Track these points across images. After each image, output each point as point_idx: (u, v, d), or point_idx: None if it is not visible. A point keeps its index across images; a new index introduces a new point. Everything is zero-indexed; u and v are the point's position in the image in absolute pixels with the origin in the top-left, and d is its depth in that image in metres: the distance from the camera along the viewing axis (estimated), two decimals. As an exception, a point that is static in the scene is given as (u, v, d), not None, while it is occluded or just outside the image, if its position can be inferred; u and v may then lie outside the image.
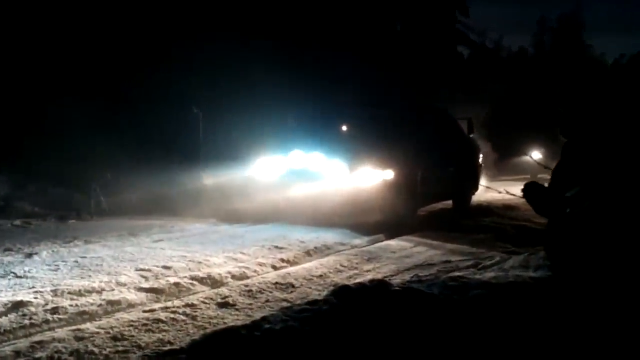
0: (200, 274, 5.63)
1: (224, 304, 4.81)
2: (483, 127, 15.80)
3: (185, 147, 14.20)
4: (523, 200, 4.17)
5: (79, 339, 3.89)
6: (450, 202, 11.38)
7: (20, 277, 5.43)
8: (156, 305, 4.73)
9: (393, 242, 7.99)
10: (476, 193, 12.04)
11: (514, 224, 9.51)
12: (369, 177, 8.90)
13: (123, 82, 12.12)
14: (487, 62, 27.70)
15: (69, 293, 4.88)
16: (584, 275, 2.60)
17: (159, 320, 4.29)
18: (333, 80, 13.43)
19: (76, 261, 6.10)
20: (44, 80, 12.50)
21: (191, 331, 4.13)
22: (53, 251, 6.71)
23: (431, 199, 10.49)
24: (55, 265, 5.92)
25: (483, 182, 12.31)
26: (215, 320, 4.40)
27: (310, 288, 5.45)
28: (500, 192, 13.79)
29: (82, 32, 13.12)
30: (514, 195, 12.80)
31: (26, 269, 5.73)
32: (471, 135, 11.85)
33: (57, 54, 12.50)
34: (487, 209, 11.33)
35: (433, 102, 15.32)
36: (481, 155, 12.39)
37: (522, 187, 2.96)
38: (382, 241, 8.10)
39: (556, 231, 2.69)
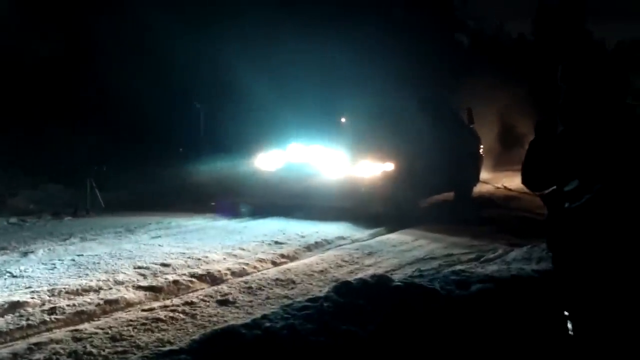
0: (200, 271, 5.56)
1: (223, 302, 4.74)
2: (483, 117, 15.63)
3: (186, 141, 14.15)
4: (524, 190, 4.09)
5: (77, 339, 3.83)
6: (451, 193, 11.28)
7: (16, 276, 5.37)
8: (155, 304, 4.66)
9: (394, 236, 7.91)
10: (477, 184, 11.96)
11: (515, 215, 9.43)
12: (369, 169, 8.82)
13: (122, 77, 11.99)
14: (486, 50, 27.41)
15: (67, 292, 4.81)
16: (587, 270, 2.51)
17: (158, 320, 4.22)
18: (331, 71, 13.33)
19: (73, 259, 6.02)
20: (39, 75, 12.38)
21: (191, 330, 4.06)
22: (49, 249, 6.64)
23: (432, 190, 10.40)
24: (52, 263, 5.85)
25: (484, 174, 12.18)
26: (215, 319, 4.33)
27: (311, 284, 5.39)
28: (498, 188, 13.58)
29: (80, 25, 13.02)
30: (512, 190, 12.65)
31: (22, 268, 5.66)
32: (471, 126, 11.75)
33: (51, 49, 12.38)
34: (489, 200, 11.26)
35: (432, 92, 15.17)
36: (482, 146, 12.28)
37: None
38: (383, 234, 8.02)
39: (556, 225, 2.60)
